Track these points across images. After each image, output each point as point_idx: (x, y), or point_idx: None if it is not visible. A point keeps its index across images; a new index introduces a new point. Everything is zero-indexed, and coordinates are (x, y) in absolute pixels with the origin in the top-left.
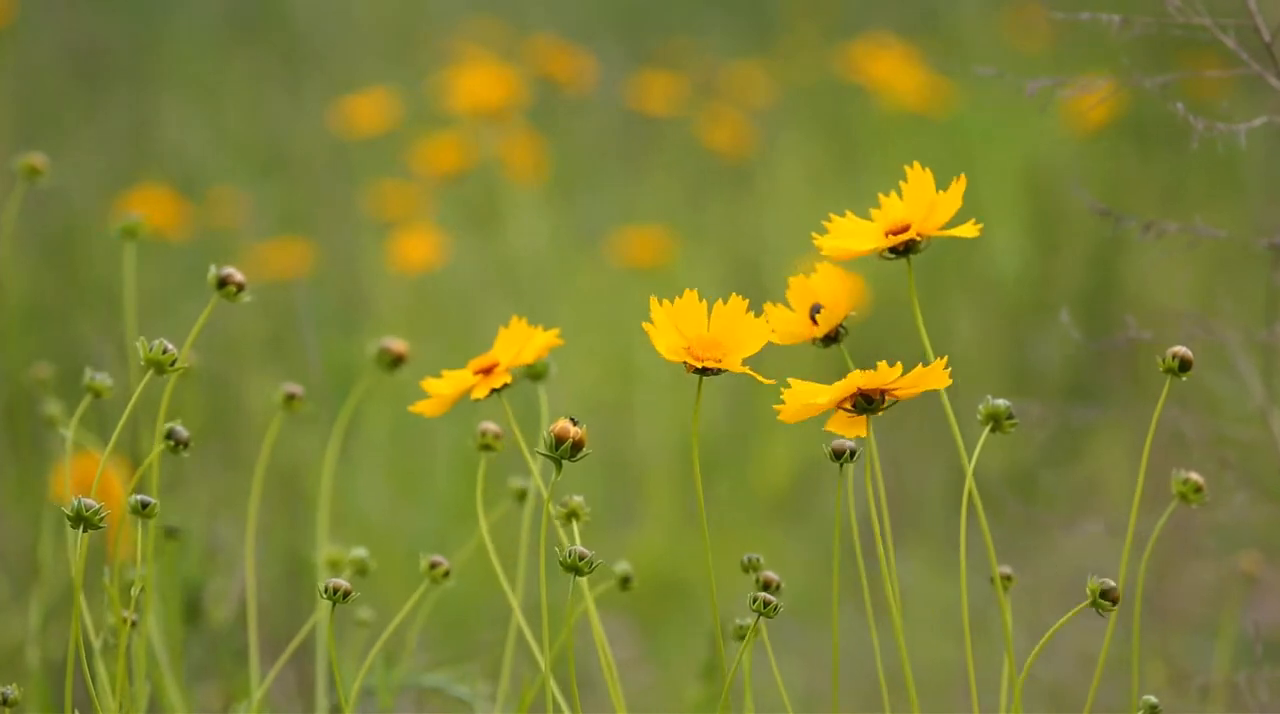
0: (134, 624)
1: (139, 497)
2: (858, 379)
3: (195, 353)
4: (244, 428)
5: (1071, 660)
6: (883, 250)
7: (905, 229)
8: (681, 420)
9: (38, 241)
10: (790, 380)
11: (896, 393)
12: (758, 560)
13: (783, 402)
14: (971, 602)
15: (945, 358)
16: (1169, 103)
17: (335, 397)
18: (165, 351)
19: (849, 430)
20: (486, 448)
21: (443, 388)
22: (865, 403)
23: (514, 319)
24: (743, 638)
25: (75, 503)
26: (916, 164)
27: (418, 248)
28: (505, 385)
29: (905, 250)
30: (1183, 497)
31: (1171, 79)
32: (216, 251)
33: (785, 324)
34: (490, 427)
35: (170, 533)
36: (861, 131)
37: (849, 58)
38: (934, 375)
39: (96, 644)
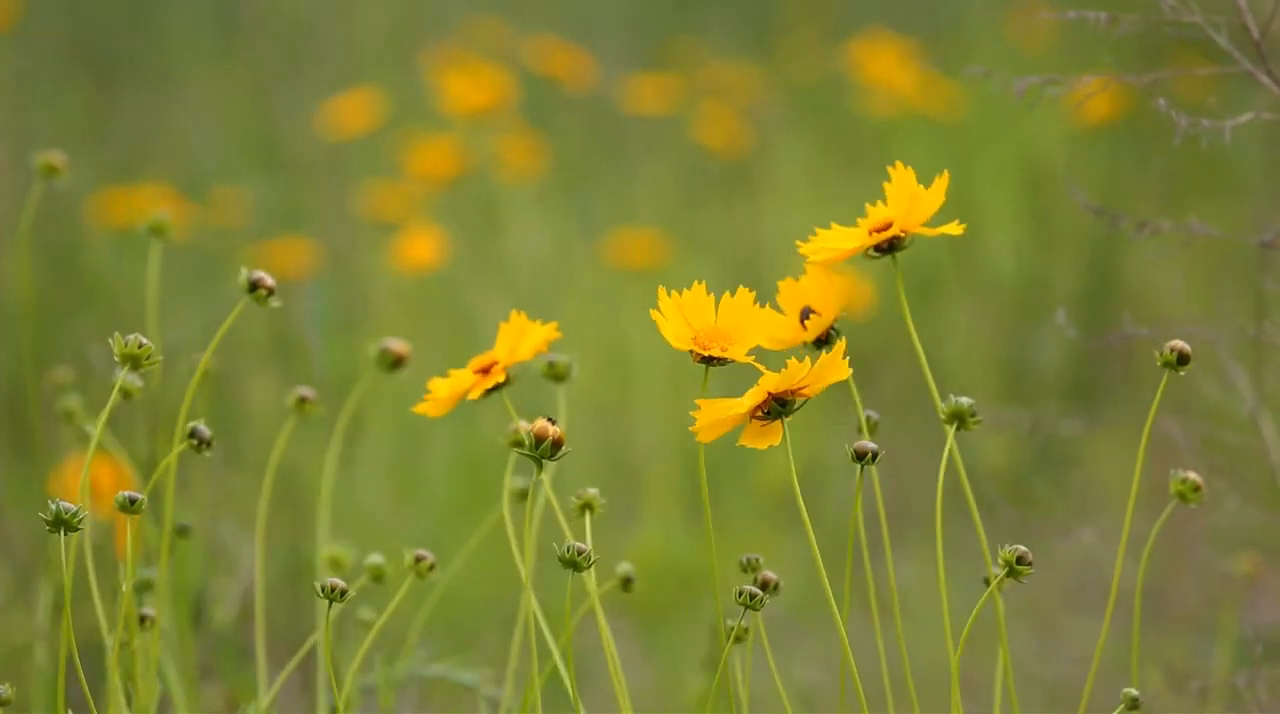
0: (142, 624)
1: (126, 493)
2: (769, 383)
3: (200, 353)
4: (246, 428)
5: (1072, 660)
6: (867, 249)
7: (888, 226)
8: (681, 420)
9: (39, 241)
10: (699, 401)
11: (804, 392)
12: (757, 561)
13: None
14: (973, 601)
15: (844, 343)
16: (1154, 99)
17: (336, 397)
18: (140, 346)
19: (762, 441)
20: (518, 446)
21: (443, 388)
22: (779, 407)
23: (513, 314)
24: (739, 637)
25: (54, 506)
26: (899, 163)
27: (416, 248)
28: (499, 385)
29: (890, 248)
30: (1181, 496)
31: (1162, 77)
32: (218, 251)
33: (776, 329)
34: (524, 425)
35: (181, 531)
36: (861, 132)
37: (849, 57)
38: (834, 367)
39: (109, 643)
